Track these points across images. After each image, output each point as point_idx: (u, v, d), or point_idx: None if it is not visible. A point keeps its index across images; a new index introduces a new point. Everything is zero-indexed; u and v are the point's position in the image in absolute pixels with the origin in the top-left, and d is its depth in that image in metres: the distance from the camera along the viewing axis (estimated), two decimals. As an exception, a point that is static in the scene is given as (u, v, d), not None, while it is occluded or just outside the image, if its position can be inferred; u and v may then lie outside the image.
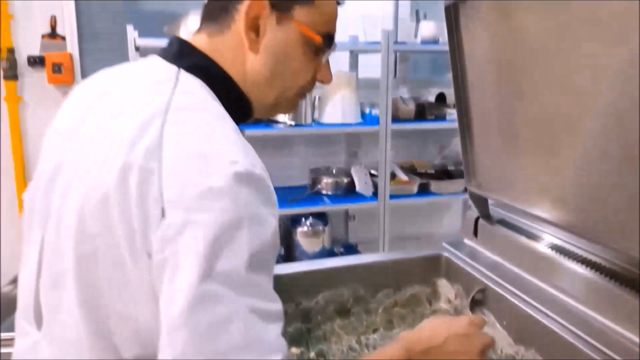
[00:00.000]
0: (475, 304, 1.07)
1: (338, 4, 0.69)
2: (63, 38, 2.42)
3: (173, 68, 0.61)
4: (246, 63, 0.64)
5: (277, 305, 0.52)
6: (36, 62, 2.38)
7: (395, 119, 2.47)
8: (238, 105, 0.66)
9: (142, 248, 0.50)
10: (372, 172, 2.60)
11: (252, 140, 2.43)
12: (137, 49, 2.20)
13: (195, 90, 0.60)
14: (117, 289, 0.53)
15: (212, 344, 0.46)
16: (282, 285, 1.06)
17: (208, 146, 0.52)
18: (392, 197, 2.50)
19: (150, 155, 0.51)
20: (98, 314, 0.54)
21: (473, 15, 1.02)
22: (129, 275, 0.52)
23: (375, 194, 2.51)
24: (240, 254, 0.48)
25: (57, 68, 2.38)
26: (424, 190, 2.62)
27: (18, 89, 2.40)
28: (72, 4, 2.41)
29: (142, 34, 2.20)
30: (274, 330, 0.50)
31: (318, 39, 0.66)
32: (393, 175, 2.59)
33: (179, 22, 2.43)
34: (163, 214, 0.49)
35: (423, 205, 2.86)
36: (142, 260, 0.51)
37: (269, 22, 0.63)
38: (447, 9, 1.06)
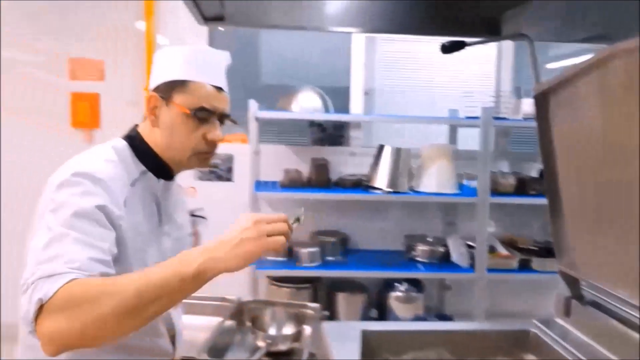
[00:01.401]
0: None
1: (220, 89, 1.00)
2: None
3: (118, 139, 1.01)
4: (156, 137, 1.00)
5: (100, 243, 0.81)
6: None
7: (494, 192, 2.48)
8: (160, 164, 1.01)
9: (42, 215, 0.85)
10: (469, 243, 2.60)
11: (351, 204, 2.61)
12: (256, 119, 2.53)
13: (115, 147, 0.98)
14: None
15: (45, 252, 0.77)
16: (372, 340, 1.16)
17: (77, 165, 0.89)
18: (490, 270, 2.46)
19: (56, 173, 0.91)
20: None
21: (562, 102, 1.09)
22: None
23: (472, 265, 2.50)
24: (69, 208, 0.82)
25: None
26: (525, 266, 2.55)
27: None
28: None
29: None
30: (87, 253, 0.78)
31: (188, 112, 0.96)
32: (492, 249, 2.56)
33: (291, 98, 2.74)
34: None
35: (523, 281, 2.76)
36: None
37: (161, 106, 0.98)
38: (537, 98, 1.15)
